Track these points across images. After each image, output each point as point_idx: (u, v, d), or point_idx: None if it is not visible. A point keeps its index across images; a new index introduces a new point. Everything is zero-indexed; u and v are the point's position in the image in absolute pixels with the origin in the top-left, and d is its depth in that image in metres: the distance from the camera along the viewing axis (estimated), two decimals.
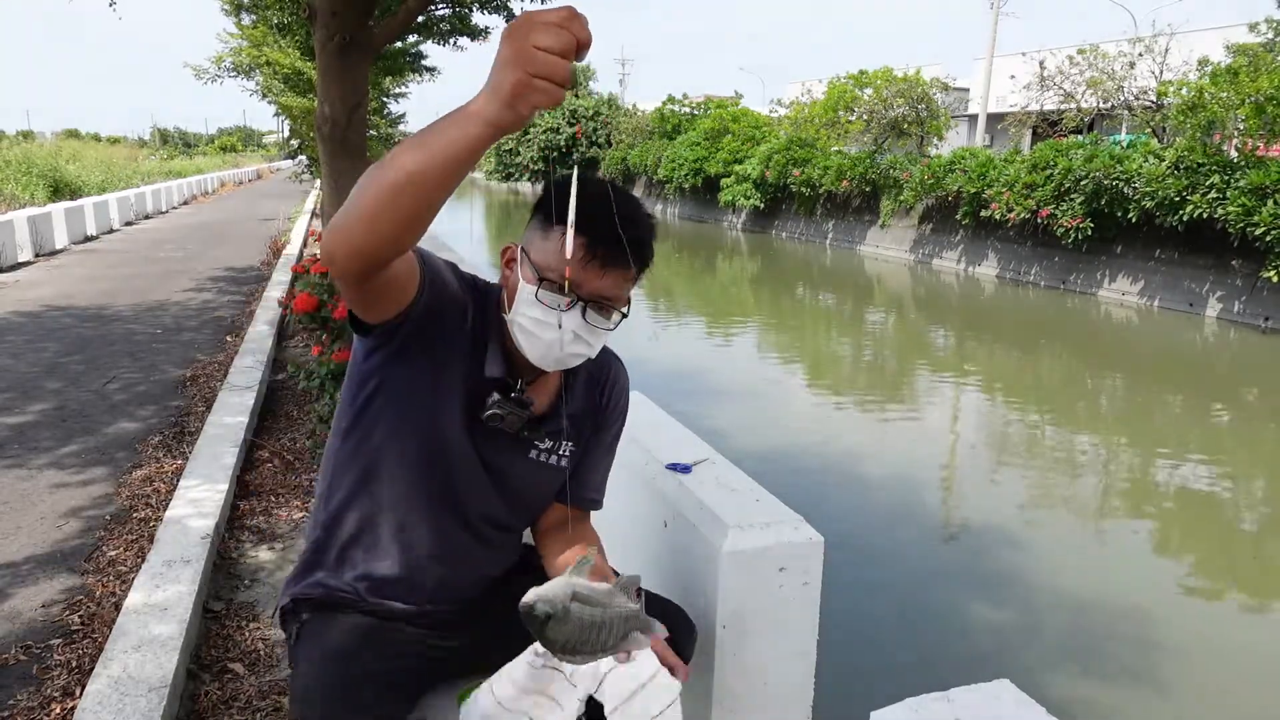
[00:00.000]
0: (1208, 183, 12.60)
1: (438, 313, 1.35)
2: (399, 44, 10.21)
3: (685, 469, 1.98)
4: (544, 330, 1.33)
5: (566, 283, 1.29)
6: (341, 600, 1.48)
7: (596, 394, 1.59)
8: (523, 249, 1.38)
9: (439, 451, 1.43)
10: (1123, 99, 18.28)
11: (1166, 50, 17.99)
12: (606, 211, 1.27)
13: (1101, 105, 18.79)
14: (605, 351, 1.58)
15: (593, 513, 1.68)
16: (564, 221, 1.25)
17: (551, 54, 0.93)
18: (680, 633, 1.60)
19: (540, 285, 1.33)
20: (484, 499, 1.49)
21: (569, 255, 1.22)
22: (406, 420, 1.41)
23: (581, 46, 0.95)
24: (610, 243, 1.30)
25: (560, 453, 1.53)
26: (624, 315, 1.39)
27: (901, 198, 19.38)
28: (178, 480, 3.52)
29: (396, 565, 1.47)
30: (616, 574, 1.39)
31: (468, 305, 1.41)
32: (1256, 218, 11.72)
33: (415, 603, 1.49)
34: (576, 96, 41.60)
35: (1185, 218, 12.80)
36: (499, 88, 0.96)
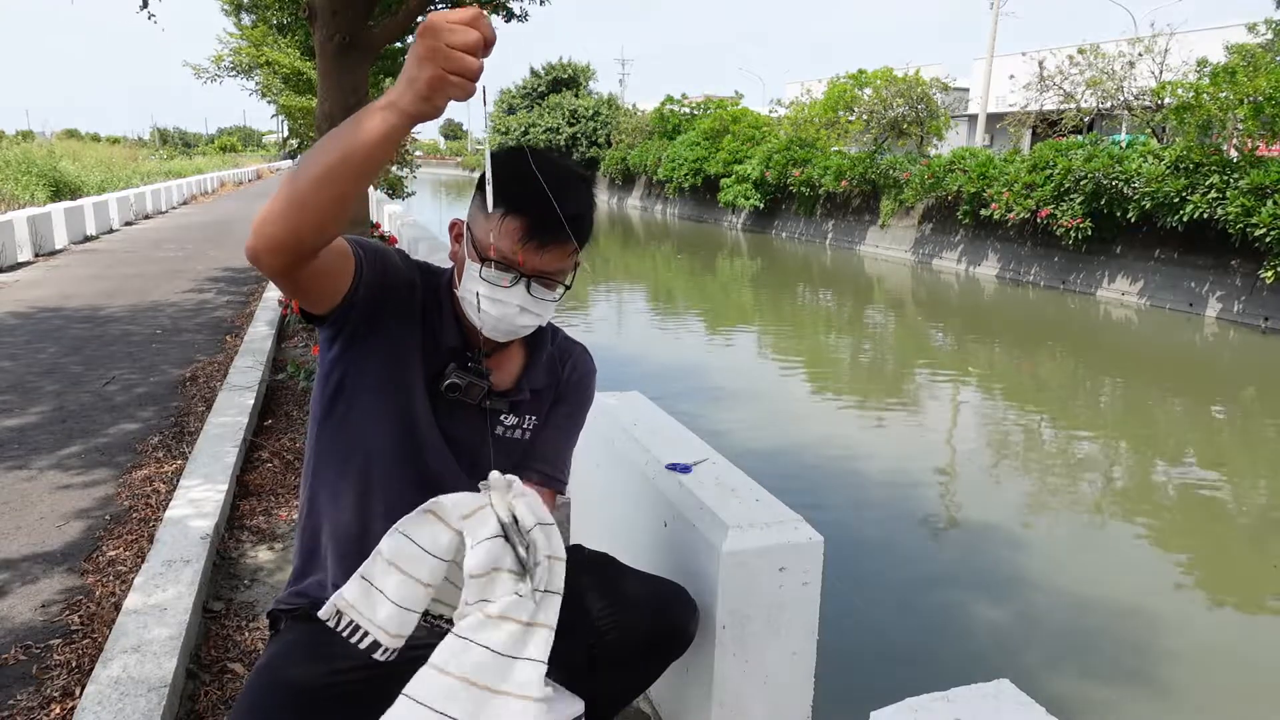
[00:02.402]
0: (1207, 183, 12.59)
1: (383, 290, 1.38)
2: (399, 44, 10.20)
3: (685, 469, 1.98)
4: (492, 306, 1.39)
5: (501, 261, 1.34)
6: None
7: (558, 371, 1.62)
8: (468, 225, 1.42)
9: (409, 429, 1.44)
10: (1122, 99, 18.28)
11: (1166, 50, 17.99)
12: (543, 189, 1.29)
13: (1101, 105, 18.79)
14: (570, 341, 1.66)
15: (594, 514, 1.68)
16: (500, 204, 1.32)
17: (463, 51, 1.01)
18: (682, 611, 1.64)
19: (484, 264, 1.37)
20: (455, 476, 1.49)
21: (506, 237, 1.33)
22: (374, 402, 1.43)
23: (488, 44, 1.04)
24: (548, 221, 1.33)
25: (525, 426, 1.56)
26: (567, 287, 1.45)
27: (901, 197, 19.37)
28: (178, 480, 3.52)
29: None
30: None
31: (415, 281, 1.45)
32: (1256, 218, 11.72)
33: None
34: (577, 96, 41.55)
35: (1185, 218, 12.80)
36: (414, 82, 1.04)
